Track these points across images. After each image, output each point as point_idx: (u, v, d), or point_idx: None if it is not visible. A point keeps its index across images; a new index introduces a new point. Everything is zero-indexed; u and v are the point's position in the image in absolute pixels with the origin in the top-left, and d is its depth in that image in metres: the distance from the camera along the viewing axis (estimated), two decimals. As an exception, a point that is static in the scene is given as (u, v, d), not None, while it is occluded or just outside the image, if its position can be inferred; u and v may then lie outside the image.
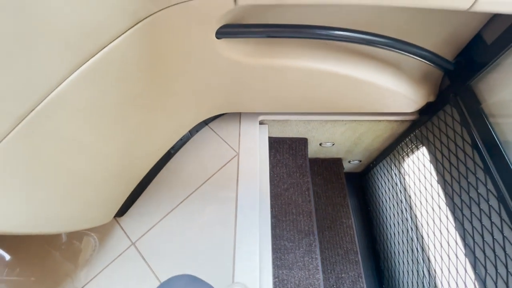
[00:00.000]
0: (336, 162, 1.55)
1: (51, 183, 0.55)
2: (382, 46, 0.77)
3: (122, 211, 0.93)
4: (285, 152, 1.29)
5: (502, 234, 0.73)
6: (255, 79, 0.83)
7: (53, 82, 0.46)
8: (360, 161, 1.60)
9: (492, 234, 0.76)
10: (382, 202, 1.49)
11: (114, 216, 0.94)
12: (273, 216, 1.15)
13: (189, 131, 1.04)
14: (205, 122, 1.14)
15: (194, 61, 0.72)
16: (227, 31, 0.66)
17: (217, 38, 0.67)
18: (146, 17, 0.55)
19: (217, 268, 0.86)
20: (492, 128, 0.77)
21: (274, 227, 1.13)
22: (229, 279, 0.83)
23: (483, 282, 0.80)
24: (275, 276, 1.05)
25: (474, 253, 0.83)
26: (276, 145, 1.30)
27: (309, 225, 1.16)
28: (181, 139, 1.02)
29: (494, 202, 0.75)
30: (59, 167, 0.55)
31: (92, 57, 0.49)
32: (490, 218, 0.77)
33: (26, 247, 0.93)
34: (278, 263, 1.08)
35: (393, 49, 0.78)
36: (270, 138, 1.22)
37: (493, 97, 0.78)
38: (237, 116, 1.17)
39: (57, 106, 0.48)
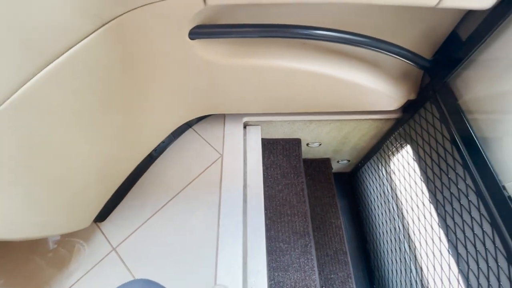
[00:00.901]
0: (325, 163, 1.55)
1: (20, 186, 0.54)
2: (360, 45, 0.78)
3: (102, 216, 0.91)
4: (279, 153, 1.29)
5: (482, 229, 0.73)
6: (234, 80, 0.83)
7: (14, 83, 0.45)
8: (349, 160, 1.60)
9: (472, 229, 0.76)
10: (371, 201, 1.49)
11: (95, 221, 0.92)
12: (268, 218, 1.15)
13: (172, 134, 1.03)
14: (189, 125, 1.13)
15: (170, 63, 0.71)
16: (200, 32, 0.66)
17: (191, 39, 0.67)
18: (113, 19, 0.54)
19: (199, 271, 0.85)
20: (469, 124, 0.77)
21: (269, 229, 1.13)
22: (211, 282, 0.82)
23: (466, 278, 0.80)
24: (271, 279, 1.04)
25: (456, 249, 0.83)
26: (270, 146, 1.29)
27: (304, 225, 1.15)
28: (163, 142, 1.01)
29: (473, 197, 0.76)
30: (29, 170, 0.54)
31: (57, 58, 0.49)
32: (470, 213, 0.77)
33: (10, 257, 0.91)
34: (274, 265, 1.07)
35: (370, 48, 0.79)
36: (263, 140, 1.21)
37: (469, 93, 0.78)
38: (222, 117, 1.16)
39: (20, 108, 0.47)
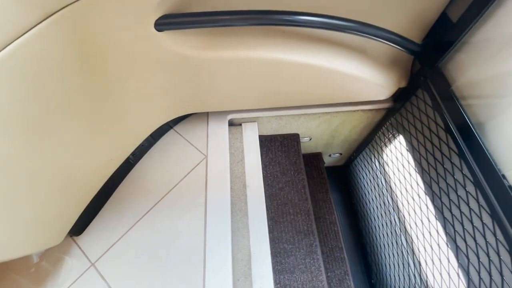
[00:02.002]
0: (316, 157, 1.50)
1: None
2: (345, 30, 0.72)
3: (79, 229, 0.84)
4: (277, 149, 1.24)
5: (481, 221, 0.69)
6: (211, 75, 0.76)
7: None
8: (341, 154, 1.56)
9: (471, 222, 0.72)
10: (365, 194, 1.45)
11: (71, 235, 0.86)
12: (270, 218, 1.10)
13: (151, 136, 0.96)
14: (170, 125, 1.06)
15: (136, 59, 0.64)
16: (167, 22, 0.59)
17: (158, 30, 0.60)
18: (61, 9, 0.47)
19: (187, 281, 0.79)
20: (464, 110, 0.73)
21: (271, 230, 1.08)
22: (199, 294, 0.77)
23: (466, 272, 0.76)
24: (277, 282, 0.99)
25: (455, 242, 0.79)
26: (267, 143, 1.24)
27: (307, 224, 1.11)
28: (142, 145, 0.94)
29: (471, 188, 0.72)
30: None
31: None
32: (468, 204, 0.73)
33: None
34: (279, 267, 1.03)
35: (356, 33, 0.73)
36: (260, 137, 1.16)
37: (462, 78, 0.74)
38: (205, 116, 1.10)
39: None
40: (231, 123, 1.16)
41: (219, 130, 1.06)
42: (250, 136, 1.12)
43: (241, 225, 0.93)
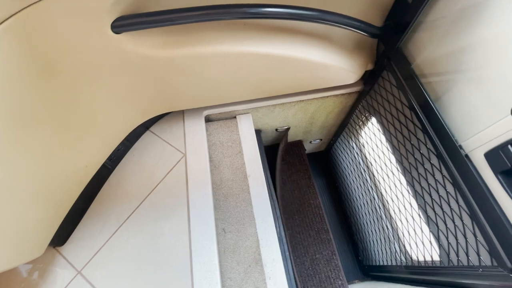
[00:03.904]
0: (297, 145, 1.53)
1: None
2: (306, 19, 0.74)
3: (61, 239, 0.84)
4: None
5: (445, 189, 0.73)
6: (178, 73, 0.76)
7: None
8: (321, 139, 1.59)
9: (437, 192, 0.77)
10: (346, 176, 1.50)
11: (54, 246, 0.85)
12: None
13: (127, 139, 0.96)
14: (146, 127, 1.05)
15: (98, 62, 0.63)
16: (125, 24, 0.59)
17: (116, 32, 0.59)
18: (8, 18, 0.46)
19: (175, 279, 0.81)
20: (423, 87, 0.77)
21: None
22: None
23: (436, 238, 0.82)
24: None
25: (426, 212, 0.85)
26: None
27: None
28: (118, 150, 0.94)
29: (435, 160, 0.76)
30: None
31: None
32: (433, 176, 0.77)
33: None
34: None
35: (317, 21, 0.75)
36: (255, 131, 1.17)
37: (420, 56, 0.77)
38: (180, 114, 1.10)
39: None
40: (209, 119, 1.16)
41: (196, 127, 1.06)
42: (246, 127, 1.13)
43: (247, 214, 0.95)
